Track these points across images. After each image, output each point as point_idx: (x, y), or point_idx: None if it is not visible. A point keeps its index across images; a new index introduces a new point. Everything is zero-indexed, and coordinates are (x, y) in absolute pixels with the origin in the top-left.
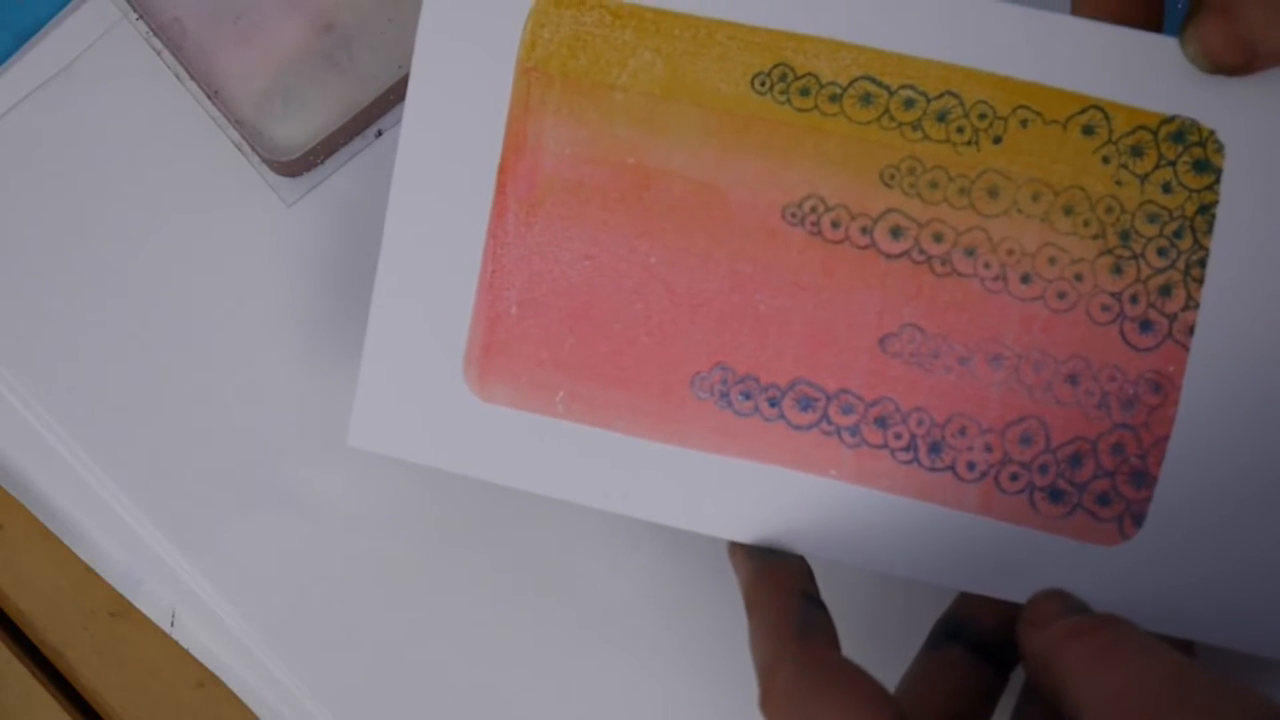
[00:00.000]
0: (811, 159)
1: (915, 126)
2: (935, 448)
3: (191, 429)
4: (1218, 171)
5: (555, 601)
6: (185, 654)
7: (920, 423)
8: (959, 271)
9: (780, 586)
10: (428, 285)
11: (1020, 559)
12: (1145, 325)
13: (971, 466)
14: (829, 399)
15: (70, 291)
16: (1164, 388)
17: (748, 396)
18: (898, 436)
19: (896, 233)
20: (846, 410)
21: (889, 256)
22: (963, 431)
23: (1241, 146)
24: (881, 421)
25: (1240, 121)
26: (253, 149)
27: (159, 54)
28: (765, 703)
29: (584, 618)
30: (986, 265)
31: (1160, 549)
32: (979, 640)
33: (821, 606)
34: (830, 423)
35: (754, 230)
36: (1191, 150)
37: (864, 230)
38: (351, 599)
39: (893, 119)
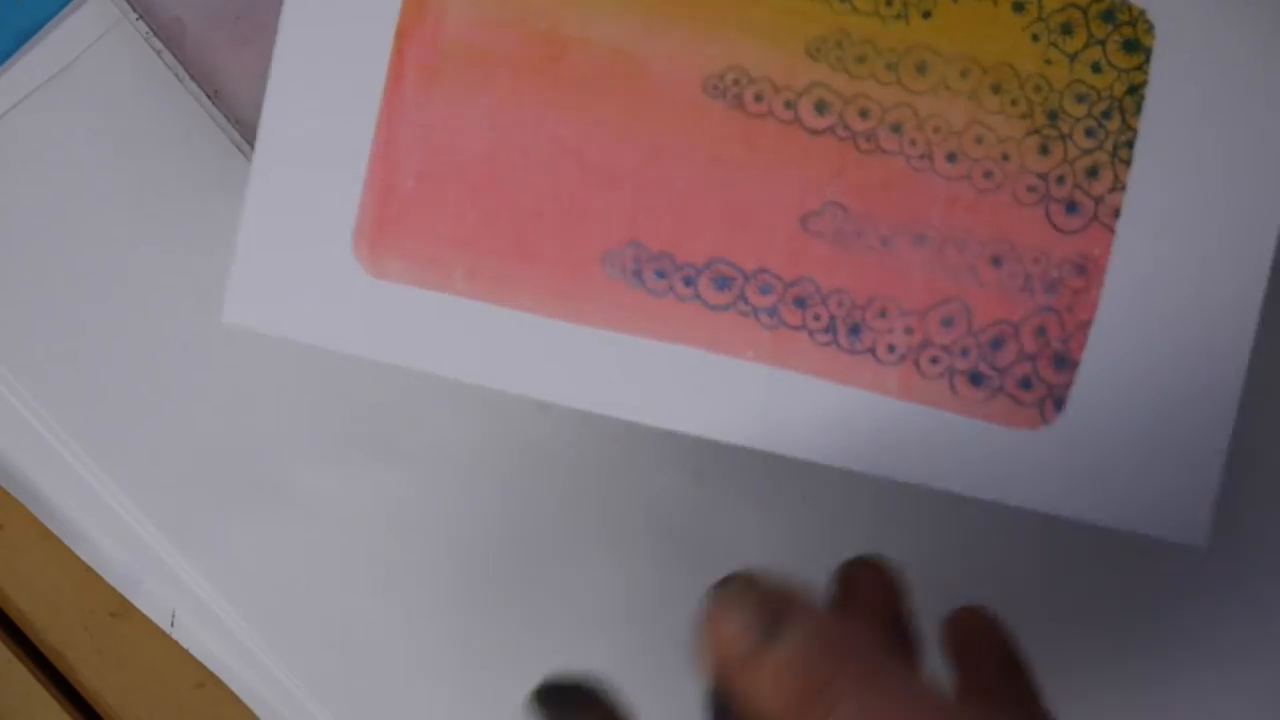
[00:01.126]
0: (736, 29)
1: None
2: (855, 329)
3: (191, 429)
4: (1147, 51)
5: (555, 601)
6: (185, 654)
7: (840, 304)
8: (884, 149)
9: None
10: (314, 154)
11: (940, 443)
12: (1071, 207)
13: (891, 349)
14: (746, 279)
15: (70, 291)
16: (1088, 271)
17: (662, 275)
18: (816, 318)
19: (821, 107)
20: (764, 290)
21: (813, 132)
22: (883, 313)
23: (1171, 26)
24: (800, 302)
25: (1170, 1)
26: (253, 149)
27: (159, 54)
28: None
29: (585, 617)
30: (913, 143)
31: (1080, 433)
32: None
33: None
34: (747, 303)
35: (673, 102)
36: (1121, 29)
37: (788, 104)
38: (351, 599)
39: None
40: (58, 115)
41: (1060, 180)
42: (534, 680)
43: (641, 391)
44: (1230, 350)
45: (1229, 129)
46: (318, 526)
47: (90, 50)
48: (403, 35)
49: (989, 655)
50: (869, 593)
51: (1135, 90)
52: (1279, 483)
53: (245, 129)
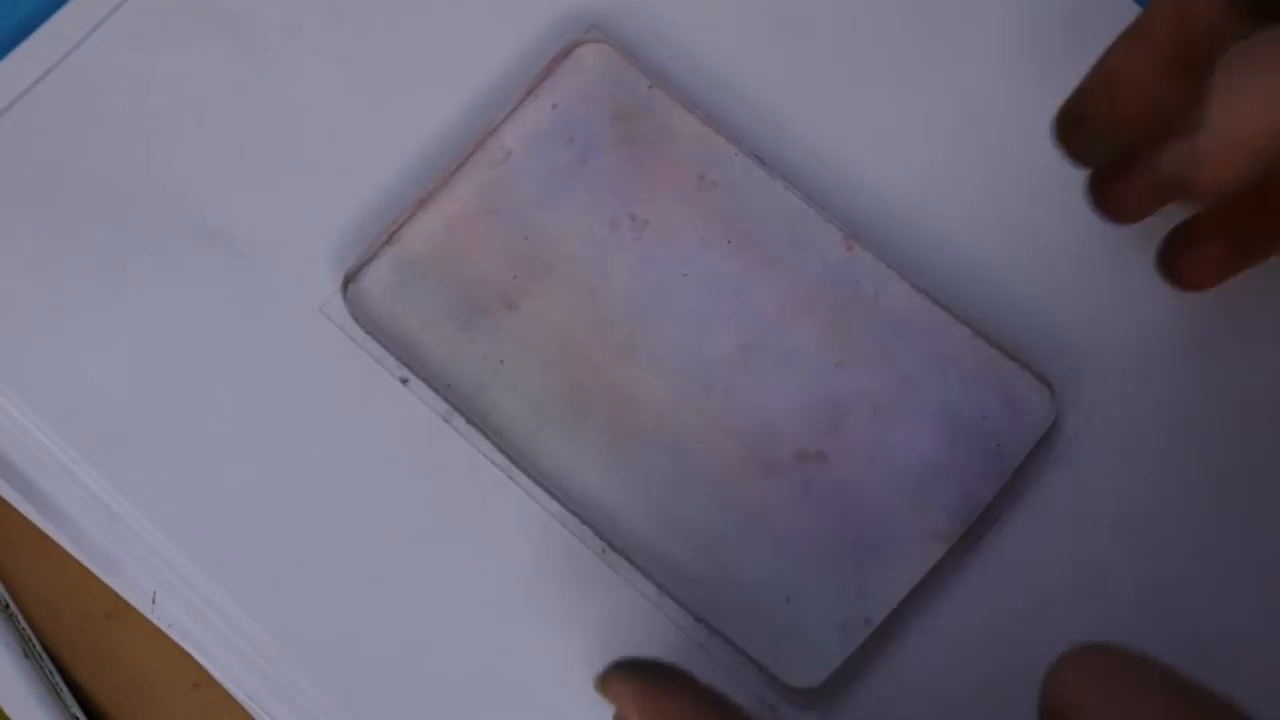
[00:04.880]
0: None
1: None
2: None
3: (191, 429)
4: None
5: (557, 600)
6: (182, 655)
7: None
8: None
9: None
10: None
11: None
12: None
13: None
14: None
15: (70, 291)
16: None
17: None
18: None
19: None
20: None
21: None
22: None
23: None
24: None
25: None
26: None
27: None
28: None
29: (591, 618)
30: None
31: None
32: None
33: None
34: None
35: None
36: None
37: None
38: (352, 599)
39: None
40: (55, 113)
41: None
42: (535, 680)
43: None
44: None
45: None
46: (317, 526)
47: (90, 50)
48: None
49: None
50: None
51: None
52: None
53: None
